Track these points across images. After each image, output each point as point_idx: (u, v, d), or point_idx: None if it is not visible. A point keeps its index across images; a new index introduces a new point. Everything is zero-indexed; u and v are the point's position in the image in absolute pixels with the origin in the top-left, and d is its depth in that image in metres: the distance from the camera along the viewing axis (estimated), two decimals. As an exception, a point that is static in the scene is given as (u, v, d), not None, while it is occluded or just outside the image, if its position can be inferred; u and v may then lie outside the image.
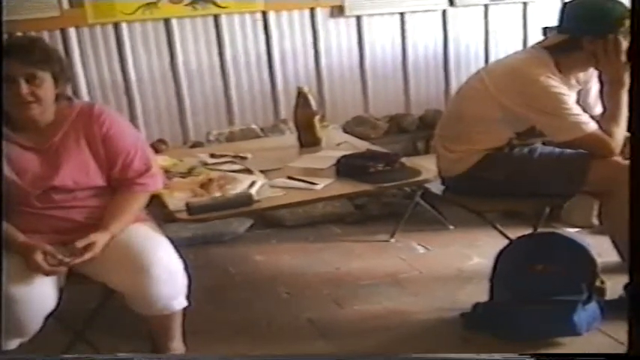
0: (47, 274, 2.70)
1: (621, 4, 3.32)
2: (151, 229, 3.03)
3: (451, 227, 4.68)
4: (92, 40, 5.08)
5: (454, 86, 5.72)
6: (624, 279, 3.36)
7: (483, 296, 3.35)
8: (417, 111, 5.87)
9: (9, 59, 2.69)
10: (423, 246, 4.45)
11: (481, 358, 3.08)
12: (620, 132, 3.33)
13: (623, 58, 3.27)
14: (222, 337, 3.46)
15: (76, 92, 4.95)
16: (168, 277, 2.80)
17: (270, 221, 4.92)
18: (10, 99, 2.74)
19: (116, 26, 5.09)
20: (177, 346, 3.10)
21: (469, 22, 6.05)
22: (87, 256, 2.73)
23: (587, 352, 3.06)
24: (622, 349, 3.05)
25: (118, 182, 3.01)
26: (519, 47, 5.64)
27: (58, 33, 4.95)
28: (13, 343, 2.72)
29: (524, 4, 6.16)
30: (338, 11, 5.64)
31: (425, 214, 4.70)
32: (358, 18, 5.71)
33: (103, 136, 2.94)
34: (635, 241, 1.77)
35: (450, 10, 5.95)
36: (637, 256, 1.71)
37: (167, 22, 5.20)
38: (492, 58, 5.90)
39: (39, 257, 2.68)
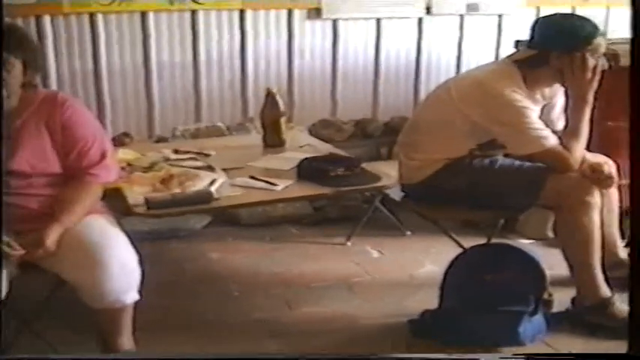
0: (10, 259, 2.70)
1: (591, 23, 3.38)
2: (107, 221, 3.02)
3: (408, 233, 4.70)
4: (66, 30, 5.05)
5: (423, 94, 5.74)
6: (573, 292, 3.42)
7: (433, 303, 3.37)
8: (385, 117, 5.88)
9: None
10: (378, 251, 4.47)
11: (477, 358, 3.11)
12: (580, 148, 3.39)
13: (589, 75, 3.31)
14: (172, 332, 3.45)
15: (45, 80, 4.93)
16: (121, 270, 2.79)
17: (228, 219, 4.92)
18: None
19: (92, 17, 5.06)
20: (126, 340, 3.07)
21: (444, 32, 6.06)
22: (40, 252, 2.73)
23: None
24: (562, 363, 3.11)
25: (71, 171, 2.99)
26: (492, 59, 5.66)
27: (32, 20, 4.93)
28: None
29: (500, 16, 6.18)
30: (315, 13, 5.64)
31: (383, 220, 4.72)
32: (335, 21, 5.71)
33: (63, 123, 2.94)
34: (635, 243, 1.79)
35: (426, 19, 5.96)
36: (637, 258, 1.73)
37: (144, 15, 5.18)
38: (464, 69, 5.91)
39: (3, 245, 2.67)
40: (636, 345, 1.74)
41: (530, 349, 3.16)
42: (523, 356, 2.78)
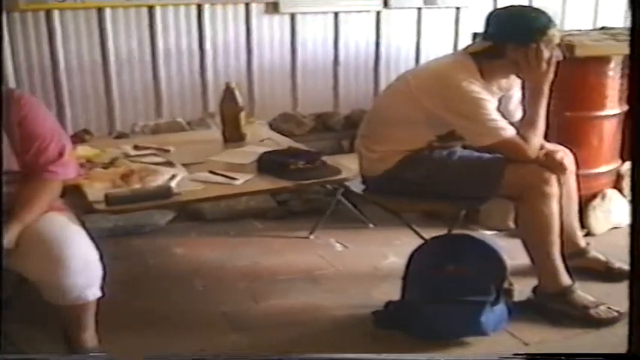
0: None
1: (545, 14, 3.42)
2: (67, 218, 3.00)
3: (371, 226, 4.72)
4: (22, 26, 5.02)
5: (383, 87, 5.76)
6: (534, 281, 3.46)
7: (397, 295, 3.39)
8: (345, 110, 5.90)
9: None
10: (341, 243, 4.49)
11: (474, 358, 3.14)
12: (537, 138, 3.42)
13: (544, 66, 3.35)
14: (137, 327, 3.44)
15: (1, 78, 4.89)
16: (82, 267, 2.78)
17: (191, 214, 4.91)
18: None
19: (48, 13, 5.03)
20: (90, 336, 3.08)
21: (402, 25, 6.08)
22: None
23: (494, 351, 3.14)
24: (526, 350, 3.14)
25: (29, 168, 2.97)
26: (450, 51, 5.69)
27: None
28: None
29: (457, 9, 6.23)
30: (273, 8, 5.64)
31: (346, 213, 4.74)
32: (292, 15, 5.72)
33: (19, 120, 2.92)
34: (635, 240, 1.80)
35: (384, 12, 5.98)
36: (637, 255, 1.75)
37: (100, 10, 5.15)
38: (423, 61, 5.94)
39: None
40: (636, 345, 1.76)
41: (493, 338, 3.20)
42: (524, 356, 2.80)
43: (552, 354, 2.95)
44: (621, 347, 1.78)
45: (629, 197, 1.82)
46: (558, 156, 3.48)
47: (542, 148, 3.48)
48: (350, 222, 4.74)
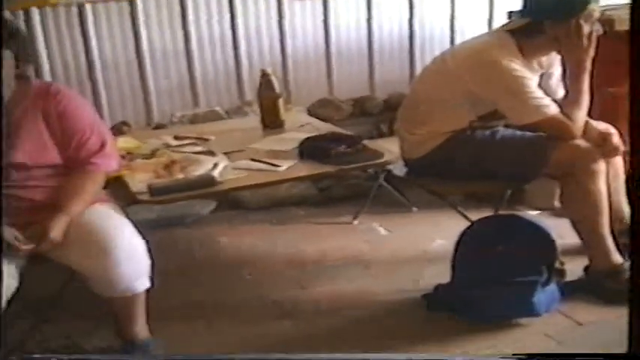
0: (17, 252, 2.70)
1: (584, -11, 3.36)
2: (112, 210, 3.02)
3: (414, 209, 4.68)
4: (55, 21, 5.03)
5: (419, 69, 5.70)
6: (584, 261, 3.43)
7: (445, 278, 3.37)
8: (382, 94, 5.85)
9: None
10: (385, 228, 4.46)
11: (479, 359, 3.11)
12: (582, 115, 3.37)
13: (585, 42, 3.30)
14: (186, 318, 3.46)
15: (38, 73, 4.91)
16: (130, 258, 2.79)
17: (233, 203, 4.91)
18: None
19: (80, 7, 5.04)
20: (141, 327, 3.09)
21: (435, 5, 6.01)
22: (45, 244, 2.73)
23: (546, 332, 3.11)
24: (579, 331, 3.11)
25: (71, 161, 2.98)
26: (485, 30, 5.64)
27: (20, 13, 4.90)
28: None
29: (490, -14, 6.16)
30: (305, -8, 5.63)
31: (388, 197, 4.70)
32: (325, -1, 5.71)
33: (59, 114, 2.93)
34: (635, 237, 1.78)
35: (418, -8, 5.94)
36: (637, 251, 1.72)
37: (131, 2, 5.15)
38: (458, 41, 5.89)
39: (11, 237, 2.68)
40: (636, 345, 1.73)
41: (546, 319, 3.17)
42: (524, 356, 2.78)
43: (553, 354, 2.93)
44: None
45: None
46: (615, 139, 3.43)
47: (586, 125, 3.43)
48: (392, 206, 4.72)
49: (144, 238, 2.89)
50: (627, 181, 1.68)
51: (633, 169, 1.66)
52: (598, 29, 3.37)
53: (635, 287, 1.73)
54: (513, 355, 2.87)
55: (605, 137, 3.42)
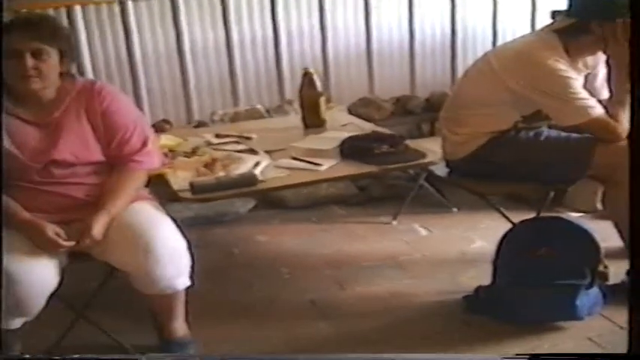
0: (59, 249, 2.73)
1: (631, -12, 3.31)
2: (154, 207, 3.03)
3: (454, 210, 4.66)
4: (97, 18, 5.07)
5: (460, 68, 5.71)
6: (627, 264, 3.37)
7: (486, 279, 3.35)
8: (423, 93, 5.85)
9: (18, 33, 2.73)
10: (425, 228, 4.44)
11: (479, 359, 3.09)
12: (627, 117, 3.32)
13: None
14: (224, 317, 3.47)
15: (81, 70, 4.95)
16: (171, 256, 2.80)
17: (273, 202, 4.92)
18: (15, 72, 2.76)
19: (122, 4, 5.08)
20: (180, 325, 3.12)
21: (477, 4, 6.01)
22: (87, 241, 2.74)
23: (588, 336, 3.08)
24: (621, 334, 3.06)
25: (114, 159, 3.00)
26: (527, 30, 5.60)
27: (63, 10, 4.94)
28: (17, 322, 2.74)
29: (533, -14, 6.12)
30: (346, -9, 5.62)
31: (428, 197, 4.69)
32: (366, -2, 5.69)
33: (102, 111, 2.95)
34: (635, 240, 1.76)
35: (459, -8, 5.92)
36: (637, 253, 1.70)
37: (173, 1, 5.18)
38: (500, 41, 5.88)
39: (51, 233, 2.70)
40: (636, 345, 1.71)
41: (588, 322, 3.13)
42: (527, 356, 2.75)
43: (553, 354, 2.92)
44: None
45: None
46: None
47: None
48: (432, 206, 4.70)
49: (184, 236, 2.89)
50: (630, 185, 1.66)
51: (634, 171, 1.64)
52: (646, 29, 3.32)
53: (635, 287, 1.71)
54: (516, 355, 2.85)
55: None
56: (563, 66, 3.31)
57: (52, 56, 2.81)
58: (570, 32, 3.37)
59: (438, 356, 3.07)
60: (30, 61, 2.74)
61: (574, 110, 3.31)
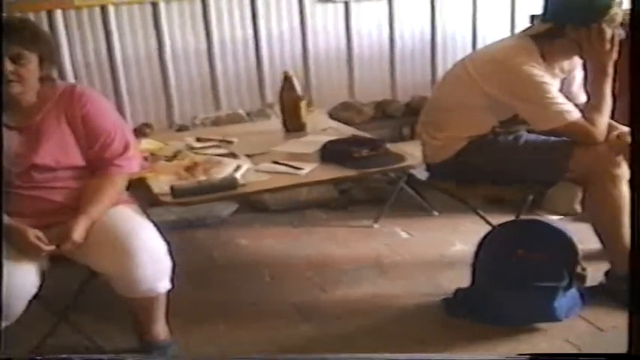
0: (40, 253, 2.73)
1: (606, -7, 3.34)
2: (134, 211, 3.04)
3: (435, 213, 4.68)
4: (78, 23, 5.07)
5: (440, 72, 5.70)
6: (605, 266, 3.41)
7: (465, 282, 3.37)
8: (404, 97, 5.88)
9: None
10: (406, 231, 4.46)
11: (480, 359, 3.11)
12: (604, 120, 3.35)
13: (607, 46, 3.28)
14: (206, 319, 3.47)
15: (61, 74, 4.95)
16: (152, 259, 2.81)
17: (254, 206, 4.92)
18: None
19: (103, 8, 5.07)
20: (161, 328, 3.13)
21: (457, 8, 6.04)
22: (68, 245, 2.75)
23: (566, 337, 3.10)
24: (600, 336, 3.10)
25: (94, 163, 3.00)
26: (507, 34, 5.63)
27: (44, 14, 4.94)
28: (-2, 327, 2.74)
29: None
30: (326, -4, 5.65)
31: (409, 200, 4.70)
32: (346, 3, 5.71)
33: (83, 115, 2.95)
34: (635, 240, 1.78)
35: (439, -3, 5.95)
36: (637, 254, 1.72)
37: (154, 5, 5.19)
38: (480, 45, 5.90)
39: (32, 237, 2.70)
40: (636, 345, 1.73)
41: (567, 324, 3.16)
42: (527, 356, 2.77)
43: (553, 354, 2.94)
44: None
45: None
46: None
47: (610, 129, 3.41)
48: (413, 210, 4.71)
49: (164, 239, 2.90)
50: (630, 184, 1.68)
51: (634, 171, 1.66)
52: (621, 33, 3.34)
53: (635, 288, 1.73)
54: (517, 355, 2.87)
55: (620, 136, 3.39)
56: (538, 71, 3.34)
57: (32, 61, 2.80)
58: (546, 37, 3.40)
59: (437, 356, 3.09)
60: (9, 66, 2.73)
61: (550, 115, 3.33)
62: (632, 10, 2.03)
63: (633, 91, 1.85)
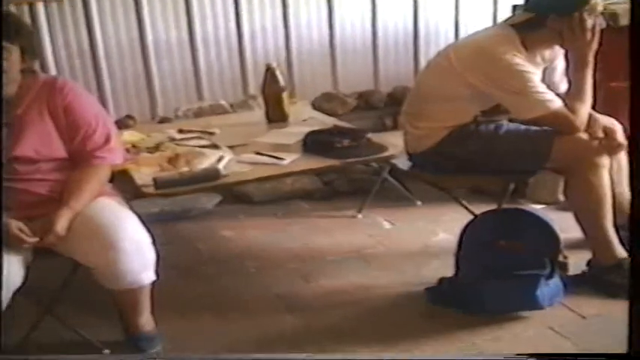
0: (23, 245, 2.73)
1: (586, -18, 3.35)
2: (117, 203, 3.05)
3: (418, 203, 4.68)
4: (60, 15, 5.05)
5: (423, 63, 5.69)
6: (587, 254, 3.42)
7: (449, 271, 3.38)
8: (386, 88, 5.86)
9: None
10: (389, 222, 4.46)
11: (479, 359, 3.12)
12: (585, 109, 3.36)
13: (588, 36, 3.29)
14: (191, 311, 3.47)
15: (43, 67, 4.93)
16: (135, 250, 2.81)
17: (238, 197, 4.92)
18: None
19: (85, 0, 5.06)
20: (146, 320, 3.14)
21: (439, -1, 6.04)
22: (51, 237, 2.75)
23: (550, 325, 3.12)
24: (582, 324, 3.12)
25: (77, 155, 3.00)
26: (490, 24, 5.63)
27: (25, 7, 4.92)
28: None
29: (495, -19, 6.15)
30: (309, -14, 5.64)
31: (392, 191, 4.71)
32: (328, -7, 5.71)
33: (64, 107, 2.94)
34: (635, 238, 1.79)
35: (422, -14, 5.94)
36: (637, 250, 1.74)
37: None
38: (462, 35, 5.89)
39: (15, 230, 2.70)
40: (636, 345, 1.75)
41: (550, 312, 3.17)
42: (527, 356, 2.79)
43: (553, 354, 2.93)
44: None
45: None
46: (618, 136, 3.44)
47: (591, 119, 3.42)
48: (396, 200, 4.71)
49: (149, 231, 2.90)
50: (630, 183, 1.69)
51: (633, 166, 1.66)
52: (601, 23, 3.35)
53: (635, 288, 1.74)
54: (517, 354, 2.88)
55: (609, 133, 3.43)
56: (520, 60, 3.34)
57: (13, 53, 2.78)
58: (528, 26, 3.40)
59: (436, 356, 3.09)
60: None
61: (532, 104, 3.34)
62: (632, 10, 2.03)
63: (633, 91, 1.86)
